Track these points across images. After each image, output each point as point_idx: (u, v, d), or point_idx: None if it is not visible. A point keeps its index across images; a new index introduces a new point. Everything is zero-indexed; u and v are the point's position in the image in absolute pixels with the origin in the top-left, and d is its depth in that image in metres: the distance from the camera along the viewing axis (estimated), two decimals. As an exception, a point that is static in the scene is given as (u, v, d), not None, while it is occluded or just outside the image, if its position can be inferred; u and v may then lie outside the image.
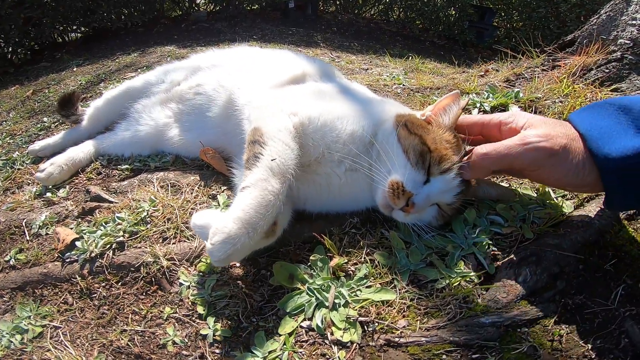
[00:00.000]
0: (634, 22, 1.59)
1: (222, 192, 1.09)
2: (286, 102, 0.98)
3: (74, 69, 3.33)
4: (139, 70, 2.47)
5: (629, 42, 1.56)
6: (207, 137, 1.21)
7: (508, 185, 1.08)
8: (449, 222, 0.95)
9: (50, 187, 1.31)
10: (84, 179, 1.31)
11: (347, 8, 5.28)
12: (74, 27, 4.80)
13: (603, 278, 0.85)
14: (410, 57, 3.29)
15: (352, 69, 2.24)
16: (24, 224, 1.14)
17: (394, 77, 1.97)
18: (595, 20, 1.79)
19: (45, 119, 1.95)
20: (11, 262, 1.02)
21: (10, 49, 4.45)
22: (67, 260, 0.97)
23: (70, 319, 0.87)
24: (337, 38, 4.02)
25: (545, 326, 0.76)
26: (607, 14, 1.74)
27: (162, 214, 1.02)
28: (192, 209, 1.03)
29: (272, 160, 0.82)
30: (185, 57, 2.76)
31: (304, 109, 0.94)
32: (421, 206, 0.86)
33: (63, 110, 1.62)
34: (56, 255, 1.00)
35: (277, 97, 1.03)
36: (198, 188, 1.10)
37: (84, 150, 1.40)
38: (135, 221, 1.02)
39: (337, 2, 5.28)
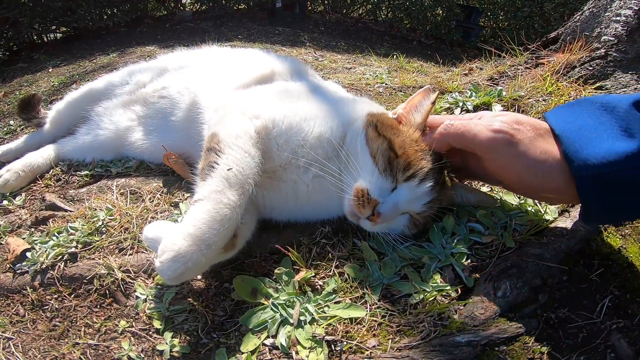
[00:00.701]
0: (617, 18, 1.54)
1: (185, 199, 1.02)
2: (249, 104, 0.91)
3: (50, 70, 3.22)
4: (114, 71, 2.37)
5: (612, 39, 1.52)
6: (171, 141, 1.14)
7: (490, 189, 1.02)
8: (425, 230, 0.88)
9: (7, 194, 1.23)
10: (42, 185, 1.22)
11: (336, 8, 5.23)
12: (53, 28, 4.66)
13: (588, 289, 0.80)
14: (396, 56, 3.25)
15: (335, 68, 2.18)
16: None
17: (376, 76, 1.92)
18: (578, 17, 1.76)
19: (12, 122, 1.87)
20: None
21: (-15, 50, 4.33)
22: (18, 271, 0.92)
23: (22, 330, 0.83)
24: (324, 37, 3.96)
25: (526, 343, 0.71)
26: (591, 10, 1.71)
27: (118, 223, 0.95)
28: (151, 217, 0.96)
29: (228, 169, 0.75)
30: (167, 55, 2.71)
31: (268, 110, 0.87)
32: (388, 216, 0.80)
33: (24, 114, 1.53)
34: (7, 266, 0.95)
35: (240, 99, 0.95)
36: (160, 195, 1.03)
37: (43, 155, 1.31)
38: (90, 231, 0.94)
39: (326, 2, 5.23)
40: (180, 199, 1.02)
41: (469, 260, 0.83)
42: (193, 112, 1.07)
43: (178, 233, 0.67)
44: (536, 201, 0.94)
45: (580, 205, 0.75)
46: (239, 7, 4.95)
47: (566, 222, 0.88)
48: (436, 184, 0.82)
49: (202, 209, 0.70)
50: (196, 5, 5.05)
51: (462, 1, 5.27)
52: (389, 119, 0.89)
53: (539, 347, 0.70)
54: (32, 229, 1.03)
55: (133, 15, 4.66)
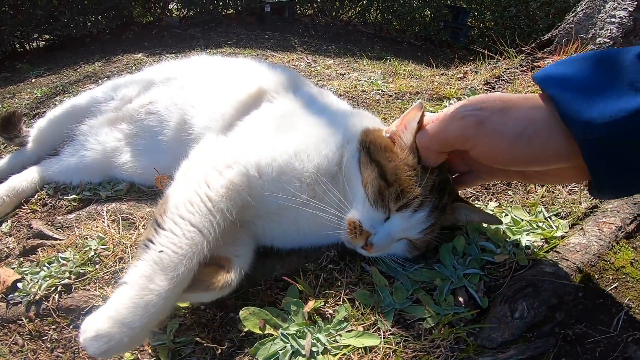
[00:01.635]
0: (612, 19, 1.54)
1: None
2: (226, 150, 0.83)
3: (33, 80, 3.12)
4: (99, 81, 2.31)
5: (608, 40, 1.51)
6: (162, 162, 1.07)
7: (498, 204, 1.00)
8: (432, 249, 0.86)
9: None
10: (28, 211, 1.16)
11: (325, 11, 5.20)
12: (35, 36, 4.53)
13: (604, 304, 0.78)
14: (388, 60, 3.24)
15: (328, 74, 2.15)
16: None
17: (372, 82, 1.90)
18: (572, 18, 1.74)
19: None
20: None
21: (-33, 59, 4.18)
22: (11, 301, 0.89)
23: None
24: (314, 42, 3.93)
25: (545, 363, 0.69)
26: (584, 11, 1.69)
27: (112, 252, 0.90)
28: (146, 245, 0.91)
29: (159, 252, 0.68)
30: (154, 63, 2.64)
31: (250, 154, 0.79)
32: (381, 245, 0.77)
33: (4, 133, 1.44)
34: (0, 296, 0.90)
35: (216, 144, 0.88)
36: None
37: (27, 178, 1.24)
38: (82, 261, 0.90)
39: (315, 5, 5.20)
40: None
41: (483, 281, 0.81)
42: (183, 131, 1.02)
43: (101, 312, 0.65)
44: (547, 215, 0.93)
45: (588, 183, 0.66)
46: (228, 12, 4.88)
47: (578, 238, 0.86)
48: (434, 209, 0.78)
49: (125, 294, 0.65)
50: (183, 11, 4.97)
51: (449, 2, 5.31)
52: (383, 138, 0.83)
53: (559, 365, 0.68)
54: (21, 259, 0.97)
55: (118, 22, 4.56)
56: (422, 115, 0.76)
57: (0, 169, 1.37)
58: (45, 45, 4.66)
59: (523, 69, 1.78)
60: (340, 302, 0.78)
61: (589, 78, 0.58)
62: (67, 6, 4.19)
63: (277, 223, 0.84)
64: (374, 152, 0.80)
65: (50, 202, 1.18)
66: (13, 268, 0.94)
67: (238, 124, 0.92)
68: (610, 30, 1.53)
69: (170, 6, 5.11)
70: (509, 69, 1.82)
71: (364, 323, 0.75)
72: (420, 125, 0.77)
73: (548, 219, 0.93)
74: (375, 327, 0.74)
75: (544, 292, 0.77)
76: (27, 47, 4.57)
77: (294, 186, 0.79)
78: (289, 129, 0.86)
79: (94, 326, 0.63)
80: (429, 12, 5.08)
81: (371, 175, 0.77)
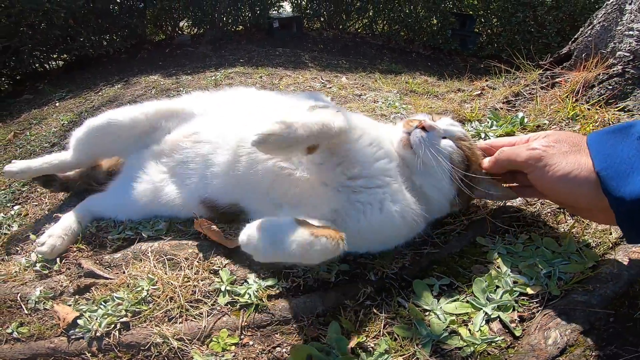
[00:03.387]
0: (630, 32, 1.50)
1: (224, 267, 1.03)
2: None
3: (57, 104, 3.24)
4: (122, 105, 2.39)
5: (628, 54, 1.48)
6: (213, 188, 1.12)
7: (529, 236, 1.04)
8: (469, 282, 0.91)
9: (41, 257, 1.23)
10: (74, 249, 1.23)
11: (332, 24, 5.28)
12: (54, 56, 4.69)
13: (634, 327, 0.82)
14: (401, 74, 3.29)
15: (344, 95, 2.20)
16: (19, 297, 1.09)
17: (390, 104, 1.95)
18: (589, 31, 1.70)
19: None
20: (14, 335, 0.99)
21: (-10, 80, 4.34)
22: (72, 337, 0.94)
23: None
24: (324, 56, 3.99)
25: (579, 386, 0.73)
26: (601, 24, 1.65)
27: (163, 292, 0.96)
28: (194, 286, 0.97)
29: None
30: (170, 88, 2.72)
31: None
32: (432, 125, 1.00)
33: (49, 187, 1.53)
34: (59, 331, 0.97)
35: None
36: (197, 262, 1.04)
37: (78, 218, 1.31)
38: (136, 300, 0.96)
39: (322, 19, 5.28)
40: (219, 266, 1.03)
41: (516, 311, 0.85)
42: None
43: None
44: (578, 247, 0.97)
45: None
46: (237, 28, 4.99)
47: (609, 267, 0.90)
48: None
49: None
50: (194, 28, 5.09)
51: (455, 9, 5.32)
52: None
53: (593, 389, 0.72)
54: (77, 297, 1.04)
55: (132, 41, 4.69)
56: None
57: (39, 168, 1.42)
58: (64, 65, 4.80)
59: (543, 84, 1.76)
60: (380, 336, 0.83)
61: (628, 153, 0.74)
62: (83, 25, 4.33)
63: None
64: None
65: (94, 241, 1.24)
66: (69, 305, 1.00)
67: None
68: (630, 43, 1.49)
69: (181, 24, 5.25)
70: (528, 85, 1.82)
71: (404, 354, 0.80)
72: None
73: (579, 249, 0.97)
74: (415, 358, 0.79)
75: (576, 320, 0.81)
76: (47, 66, 4.72)
77: None
78: None
79: None
80: (435, 21, 5.11)
81: None
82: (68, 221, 1.29)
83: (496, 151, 1.00)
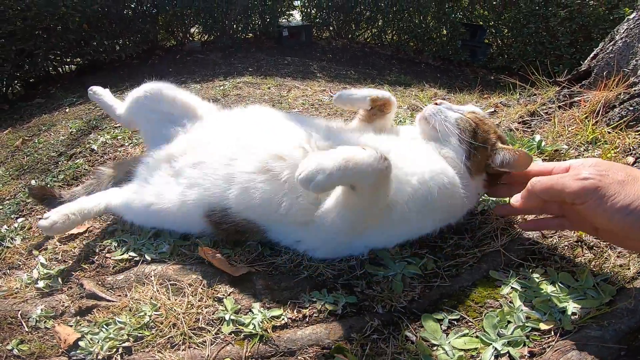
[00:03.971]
0: None
1: (229, 295, 1.01)
2: None
3: (67, 110, 3.27)
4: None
5: None
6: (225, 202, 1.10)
7: (545, 271, 1.01)
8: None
9: (43, 274, 1.22)
10: (76, 268, 1.22)
11: (341, 33, 5.28)
12: (68, 60, 4.76)
13: (644, 360, 0.80)
14: (410, 86, 3.26)
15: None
16: (19, 315, 1.08)
17: (400, 121, 1.92)
18: (610, 47, 1.63)
19: (33, 182, 1.85)
20: (14, 352, 0.97)
21: (4, 83, 4.39)
22: (74, 358, 0.92)
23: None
24: (333, 66, 3.99)
25: None
26: (623, 40, 1.57)
27: (166, 318, 0.94)
28: (197, 313, 0.95)
29: None
30: None
31: None
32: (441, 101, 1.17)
33: (44, 203, 1.51)
34: (60, 351, 0.95)
35: None
36: (202, 289, 1.02)
37: (92, 204, 1.32)
38: (139, 325, 0.94)
39: (331, 28, 5.29)
40: (224, 295, 1.01)
41: (527, 347, 0.82)
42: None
43: None
44: (595, 282, 0.93)
45: None
46: (247, 36, 5.02)
47: (625, 302, 0.87)
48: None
49: None
50: (204, 35, 5.14)
51: (466, 20, 5.30)
52: None
53: None
54: (78, 317, 1.02)
55: (144, 46, 4.74)
56: None
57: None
58: (77, 68, 4.87)
59: (560, 103, 1.68)
60: (389, 375, 0.80)
61: None
62: (97, 30, 4.38)
63: None
64: None
65: (97, 261, 1.23)
66: (71, 326, 0.99)
67: None
68: (653, 62, 1.39)
69: (192, 30, 5.30)
70: (544, 104, 1.74)
71: (413, 396, 0.77)
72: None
73: (596, 284, 0.94)
74: (424, 399, 0.76)
75: (587, 355, 0.78)
76: (60, 70, 4.79)
77: None
78: None
79: None
80: (445, 32, 5.09)
81: None
82: (80, 204, 1.29)
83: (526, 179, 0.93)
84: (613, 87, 1.48)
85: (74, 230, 1.41)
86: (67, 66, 4.86)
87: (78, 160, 1.89)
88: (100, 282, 1.12)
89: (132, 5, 4.73)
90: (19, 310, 1.09)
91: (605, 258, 1.03)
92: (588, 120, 1.46)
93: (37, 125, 2.95)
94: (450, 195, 1.03)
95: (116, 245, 1.28)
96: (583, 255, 1.06)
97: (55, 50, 4.46)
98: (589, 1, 3.95)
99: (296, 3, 5.06)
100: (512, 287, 0.97)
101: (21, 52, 4.17)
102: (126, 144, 1.91)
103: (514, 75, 4.50)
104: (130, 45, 4.70)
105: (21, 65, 4.30)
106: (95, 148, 1.96)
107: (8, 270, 1.32)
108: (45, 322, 1.05)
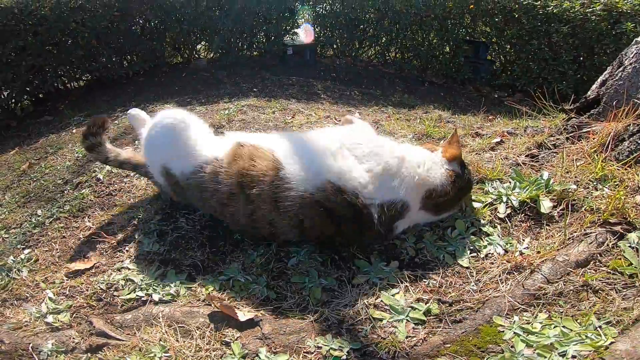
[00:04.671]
0: None
1: (236, 339, 1.02)
2: None
3: (74, 130, 3.32)
4: (136, 142, 2.42)
5: None
6: None
7: (548, 315, 1.01)
8: None
9: (52, 309, 1.24)
10: (85, 304, 1.24)
11: (345, 52, 5.34)
12: (77, 76, 4.84)
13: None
14: (414, 107, 3.28)
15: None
16: (30, 348, 1.10)
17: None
18: (620, 74, 1.55)
19: (39, 212, 1.86)
20: None
21: (13, 99, 4.46)
22: None
23: None
24: (337, 86, 4.03)
25: None
26: (633, 65, 1.51)
27: (175, 361, 0.96)
28: (206, 356, 0.96)
29: None
30: None
31: None
32: None
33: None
34: None
35: None
36: (210, 333, 1.04)
37: None
38: (149, 367, 0.95)
39: (335, 46, 5.35)
40: (231, 339, 1.02)
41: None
42: None
43: None
44: (598, 324, 0.94)
45: None
46: (252, 54, 5.09)
47: (626, 344, 0.87)
48: None
49: None
50: (210, 52, 5.22)
51: (468, 37, 5.33)
52: None
53: None
54: (89, 354, 1.05)
55: (151, 63, 4.82)
56: None
57: None
58: (86, 84, 4.95)
59: (568, 135, 1.65)
60: None
61: None
62: (105, 46, 4.46)
63: None
64: None
65: (104, 298, 1.25)
66: (82, 363, 1.01)
67: None
68: (663, 90, 1.34)
69: (198, 47, 5.39)
70: (552, 135, 1.72)
71: None
72: None
73: (598, 328, 0.95)
74: None
75: None
76: (70, 86, 4.86)
77: None
78: None
79: None
80: (448, 49, 5.13)
81: None
82: None
83: None
84: (622, 118, 1.44)
85: (80, 266, 1.44)
86: (75, 82, 4.94)
87: (84, 190, 1.90)
88: (109, 321, 1.14)
89: (140, 22, 4.82)
90: (29, 343, 1.11)
91: (610, 301, 1.03)
92: (597, 155, 1.45)
93: (44, 147, 3.00)
94: None
95: (123, 284, 1.30)
96: (588, 299, 1.06)
97: (65, 65, 4.54)
98: (590, 16, 3.97)
99: (300, 21, 5.15)
100: (514, 332, 0.98)
101: (31, 67, 4.25)
102: (132, 174, 1.93)
103: (517, 92, 4.55)
104: (137, 62, 4.78)
105: (31, 80, 4.37)
106: (101, 177, 1.98)
107: (16, 302, 1.34)
108: (56, 356, 1.06)
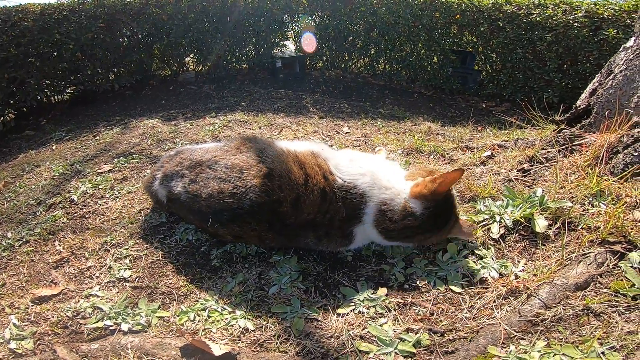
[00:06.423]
0: None
1: None
2: None
3: (53, 147, 3.19)
4: (115, 159, 2.32)
5: None
6: None
7: (547, 343, 0.93)
8: None
9: (15, 335, 1.13)
10: (49, 332, 1.13)
11: (334, 64, 5.34)
12: (61, 89, 4.72)
13: None
14: (403, 119, 3.25)
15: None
16: None
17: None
18: (610, 82, 1.50)
19: (9, 234, 1.74)
20: None
21: (-6, 112, 4.32)
22: None
23: None
24: (326, 99, 3.99)
25: None
26: (623, 73, 1.46)
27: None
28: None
29: None
30: (167, 138, 2.64)
31: None
32: None
33: None
34: None
35: None
36: None
37: None
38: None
39: (324, 58, 5.35)
40: None
41: None
42: None
43: None
44: (600, 351, 0.87)
45: None
46: (241, 67, 5.05)
47: None
48: None
49: None
50: (198, 65, 5.16)
51: (455, 47, 5.36)
52: None
53: None
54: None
55: (138, 76, 4.74)
56: None
57: None
58: (69, 98, 4.83)
59: (560, 147, 1.60)
60: None
61: None
62: (91, 59, 4.37)
63: None
64: None
65: (70, 326, 1.14)
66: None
67: None
68: (657, 98, 1.29)
69: (186, 59, 5.33)
70: (544, 147, 1.68)
71: None
72: None
73: (602, 354, 0.88)
74: None
75: None
76: (53, 100, 4.74)
77: None
78: None
79: None
80: (436, 59, 5.15)
81: None
82: None
83: None
84: (615, 129, 1.39)
85: (47, 292, 1.33)
86: (59, 96, 4.82)
87: (57, 212, 1.80)
88: (74, 350, 1.03)
89: (127, 34, 4.75)
90: (-11, 372, 1.00)
91: (613, 326, 0.96)
92: (591, 169, 1.39)
93: (22, 165, 2.87)
94: None
95: (91, 311, 1.19)
96: (589, 324, 0.99)
97: (49, 78, 4.43)
98: (573, 23, 4.02)
99: (289, 34, 5.13)
100: (512, 364, 0.90)
101: (13, 80, 4.13)
102: (107, 195, 1.83)
103: (504, 101, 4.57)
104: (124, 75, 4.70)
105: (13, 93, 4.24)
106: (75, 199, 1.88)
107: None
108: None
